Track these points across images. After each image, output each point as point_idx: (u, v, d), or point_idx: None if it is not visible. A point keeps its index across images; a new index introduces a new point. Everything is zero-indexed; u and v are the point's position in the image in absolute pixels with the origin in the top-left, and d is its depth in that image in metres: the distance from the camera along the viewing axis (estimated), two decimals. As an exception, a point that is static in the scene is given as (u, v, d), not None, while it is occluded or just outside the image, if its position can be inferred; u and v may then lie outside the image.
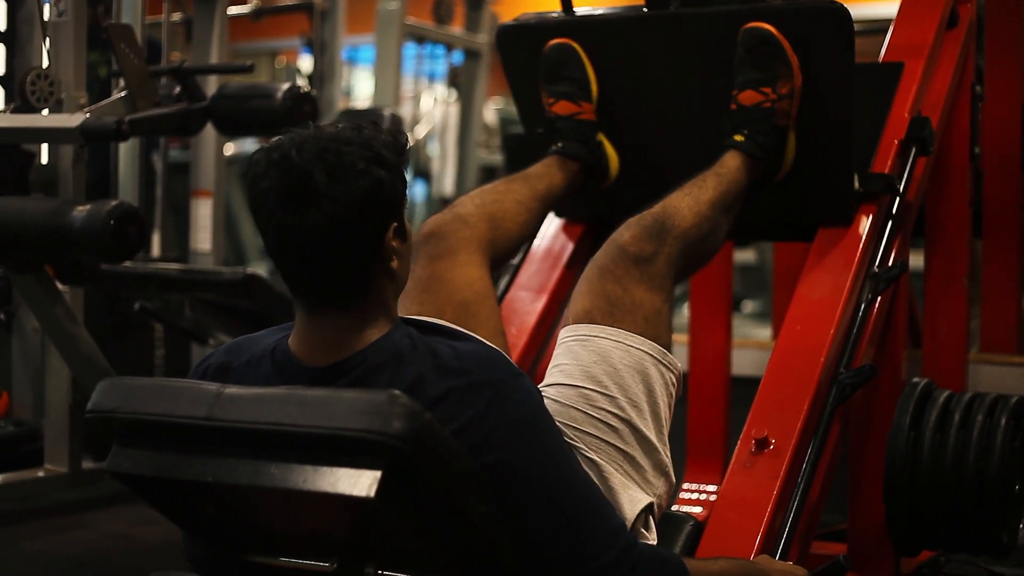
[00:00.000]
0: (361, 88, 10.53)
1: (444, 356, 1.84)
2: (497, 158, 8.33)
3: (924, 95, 3.00)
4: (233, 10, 5.60)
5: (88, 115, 3.59)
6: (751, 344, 4.63)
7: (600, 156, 2.94)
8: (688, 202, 2.51)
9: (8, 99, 4.04)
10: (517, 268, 3.04)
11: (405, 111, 7.41)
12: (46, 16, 3.88)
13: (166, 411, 1.79)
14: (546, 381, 2.26)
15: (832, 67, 2.72)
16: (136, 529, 3.92)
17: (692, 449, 3.62)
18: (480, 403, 1.79)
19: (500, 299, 2.92)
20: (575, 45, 2.91)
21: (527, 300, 2.96)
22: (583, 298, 2.35)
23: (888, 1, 3.32)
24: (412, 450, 1.65)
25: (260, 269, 5.30)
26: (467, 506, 1.76)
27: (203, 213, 4.72)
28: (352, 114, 6.67)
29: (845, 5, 2.69)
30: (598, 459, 2.14)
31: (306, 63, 7.61)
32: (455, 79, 7.48)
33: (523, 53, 2.99)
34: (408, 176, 1.90)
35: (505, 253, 2.72)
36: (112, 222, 3.37)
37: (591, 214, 3.11)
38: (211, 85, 4.33)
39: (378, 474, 1.65)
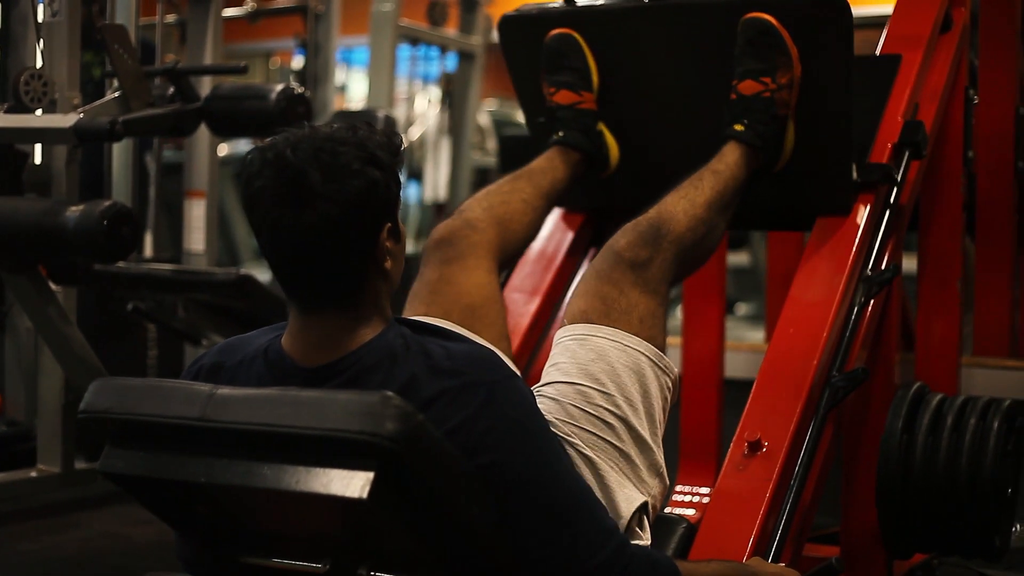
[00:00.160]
0: (355, 90, 10.53)
1: (437, 357, 1.84)
2: (491, 160, 8.33)
3: (919, 97, 3.01)
4: (227, 12, 5.60)
5: (82, 115, 3.59)
6: (744, 347, 4.63)
7: (600, 146, 2.96)
8: (683, 205, 2.53)
9: (2, 99, 4.03)
10: (511, 270, 3.04)
11: (399, 113, 7.40)
12: (40, 16, 3.88)
13: (159, 411, 1.79)
14: (543, 380, 2.28)
15: (831, 57, 2.74)
16: (129, 529, 3.92)
17: (685, 451, 3.62)
18: (473, 404, 1.79)
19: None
20: (576, 35, 2.93)
21: (520, 302, 2.96)
22: (580, 300, 2.38)
23: (886, 3, 3.31)
24: (405, 451, 1.65)
25: (254, 270, 5.30)
26: (460, 507, 1.76)
27: (196, 214, 4.71)
28: (346, 115, 6.67)
29: None
30: (594, 456, 2.15)
31: (300, 64, 7.60)
32: (448, 86, 7.47)
33: (525, 43, 3.01)
34: (402, 178, 1.91)
35: (513, 254, 2.77)
36: (105, 222, 3.37)
37: (591, 204, 3.14)
38: (205, 86, 4.33)
39: (371, 475, 1.65)
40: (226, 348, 1.97)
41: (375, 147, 1.84)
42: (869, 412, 2.96)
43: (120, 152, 4.62)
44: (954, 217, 3.32)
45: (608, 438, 2.17)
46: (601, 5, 2.97)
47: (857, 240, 2.75)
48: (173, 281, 4.24)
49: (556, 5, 3.01)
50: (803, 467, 2.41)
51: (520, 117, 9.77)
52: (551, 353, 2.35)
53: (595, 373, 2.23)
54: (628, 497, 2.14)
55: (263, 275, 4.50)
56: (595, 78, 2.95)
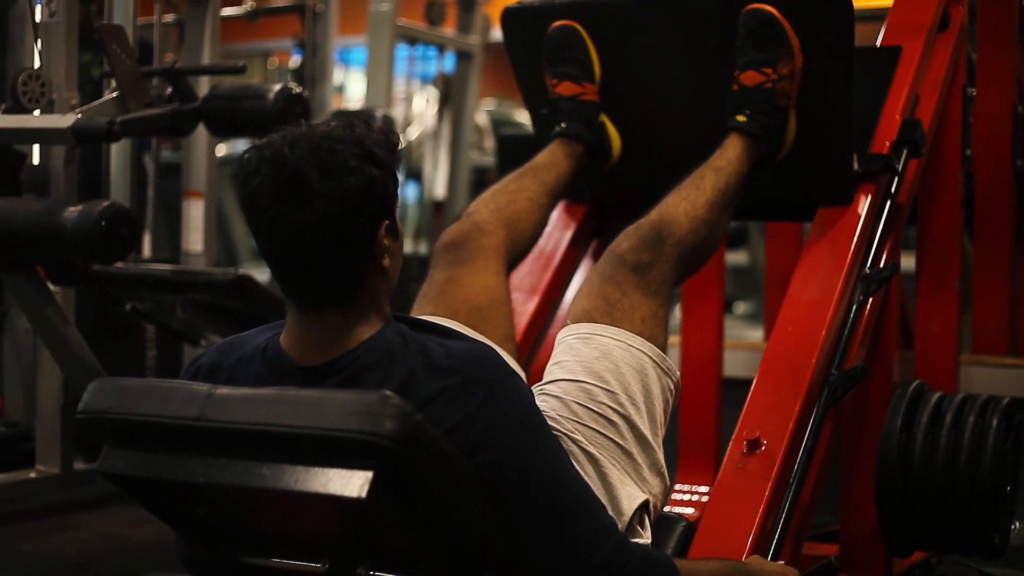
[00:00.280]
0: (353, 89, 10.53)
1: (436, 355, 1.84)
2: (489, 159, 8.33)
3: (919, 90, 3.01)
4: (225, 11, 5.60)
5: (79, 116, 3.59)
6: (743, 345, 4.63)
7: (603, 137, 2.98)
8: (685, 207, 2.55)
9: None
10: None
11: (397, 112, 7.40)
12: (38, 17, 3.88)
13: (157, 412, 1.79)
14: (546, 378, 2.30)
15: (832, 48, 2.76)
16: (128, 530, 3.92)
17: (684, 450, 3.62)
18: (472, 403, 1.79)
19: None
20: (578, 27, 2.95)
21: (519, 301, 2.97)
22: (583, 300, 2.41)
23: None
24: (403, 451, 1.65)
25: (252, 270, 5.29)
26: (459, 506, 1.76)
27: (195, 214, 4.71)
28: (344, 115, 6.66)
29: None
30: (597, 453, 2.16)
31: (297, 63, 7.60)
32: (446, 86, 7.47)
33: (527, 35, 3.03)
34: (400, 177, 1.91)
35: (522, 253, 2.79)
36: (103, 223, 3.37)
37: (593, 195, 3.16)
38: (203, 86, 4.33)
39: (369, 475, 1.65)
40: (224, 347, 1.96)
41: (372, 145, 1.84)
42: (868, 410, 2.96)
43: (118, 152, 4.62)
44: (952, 215, 3.32)
45: (611, 435, 2.18)
46: None
47: (857, 233, 2.76)
48: (171, 281, 4.24)
49: None
50: (802, 465, 2.41)
51: (518, 117, 9.80)
52: (554, 352, 2.36)
53: (599, 371, 2.25)
54: (630, 495, 2.15)
55: (261, 275, 4.50)
56: (597, 69, 2.96)
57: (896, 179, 2.83)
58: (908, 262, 3.32)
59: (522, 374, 2.40)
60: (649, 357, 2.31)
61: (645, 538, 2.17)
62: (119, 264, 3.98)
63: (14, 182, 3.77)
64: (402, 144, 1.98)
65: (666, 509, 2.33)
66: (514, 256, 2.73)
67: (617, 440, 2.19)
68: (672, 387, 2.33)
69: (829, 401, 2.52)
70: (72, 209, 3.43)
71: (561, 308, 3.14)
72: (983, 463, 2.67)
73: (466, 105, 7.34)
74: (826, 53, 2.76)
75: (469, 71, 7.26)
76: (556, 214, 3.13)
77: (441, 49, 7.35)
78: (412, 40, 7.16)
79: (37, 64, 3.85)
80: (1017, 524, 3.19)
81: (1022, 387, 3.65)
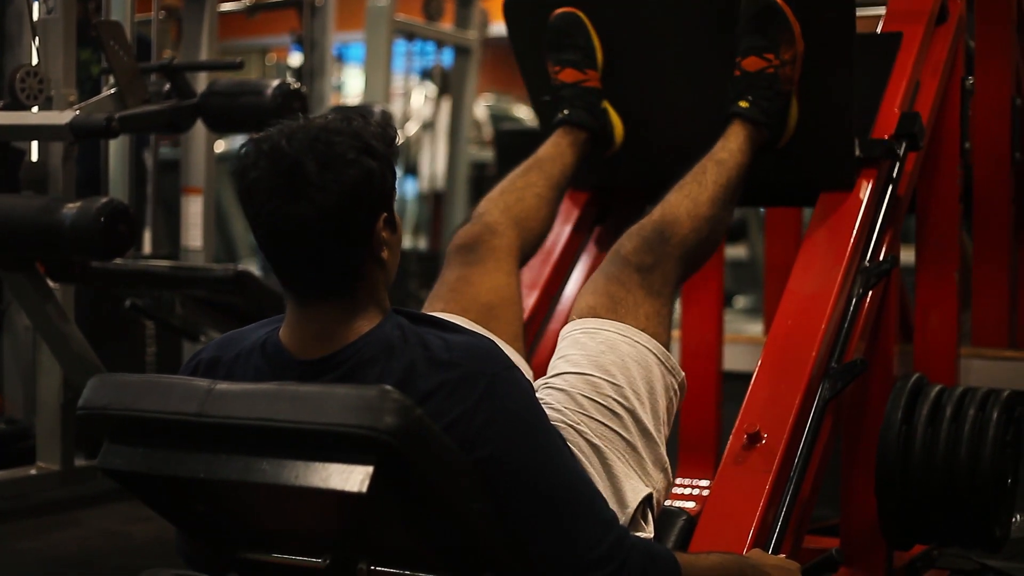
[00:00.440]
0: (352, 85, 10.52)
1: (435, 348, 1.84)
2: (487, 154, 8.33)
3: (919, 76, 3.02)
4: (224, 7, 5.60)
5: (77, 112, 3.59)
6: (743, 339, 4.63)
7: (605, 123, 2.99)
8: (687, 206, 2.57)
9: (-3, 97, 4.03)
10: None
11: (395, 108, 7.40)
12: (35, 14, 3.87)
13: (157, 407, 1.79)
14: (550, 372, 2.32)
15: (833, 33, 2.77)
16: (129, 527, 3.92)
17: (684, 444, 3.62)
18: (472, 397, 1.79)
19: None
20: (580, 14, 2.96)
21: (519, 296, 2.96)
22: (588, 297, 2.44)
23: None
24: (403, 445, 1.65)
25: (251, 266, 5.29)
26: (459, 501, 1.76)
27: (194, 210, 4.71)
28: (342, 111, 6.65)
29: None
30: (602, 446, 2.17)
31: (296, 60, 7.59)
32: (443, 80, 7.47)
33: (529, 23, 3.04)
34: (399, 172, 1.91)
35: (532, 250, 2.82)
36: (102, 219, 3.37)
37: (596, 182, 3.18)
38: (201, 82, 4.33)
39: (370, 469, 1.65)
40: (224, 343, 1.96)
41: (370, 137, 1.84)
42: (868, 403, 2.96)
43: (117, 149, 4.62)
44: (951, 208, 3.32)
45: (616, 428, 2.20)
46: None
47: (857, 222, 2.76)
48: (171, 277, 4.24)
49: None
50: (802, 459, 2.41)
51: (517, 111, 9.80)
52: (558, 346, 2.38)
53: (605, 365, 2.27)
54: (634, 488, 2.16)
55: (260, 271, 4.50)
56: (599, 56, 2.97)
57: (897, 165, 2.84)
58: (908, 255, 3.32)
59: (530, 373, 2.40)
60: (654, 354, 2.33)
61: (648, 532, 2.17)
62: (118, 260, 3.97)
63: (13, 179, 3.77)
64: (400, 139, 1.98)
65: (667, 503, 2.33)
66: (525, 254, 2.76)
67: (622, 433, 2.20)
68: (676, 386, 2.35)
69: (829, 394, 2.52)
70: (71, 206, 3.43)
71: (561, 303, 3.14)
72: (983, 456, 2.67)
73: (464, 100, 7.34)
74: (827, 38, 2.77)
75: (467, 66, 7.26)
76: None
77: (439, 44, 7.36)
78: (410, 35, 7.17)
79: (35, 61, 3.85)
80: (1018, 517, 3.20)
81: (1022, 380, 3.65)
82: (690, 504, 3.31)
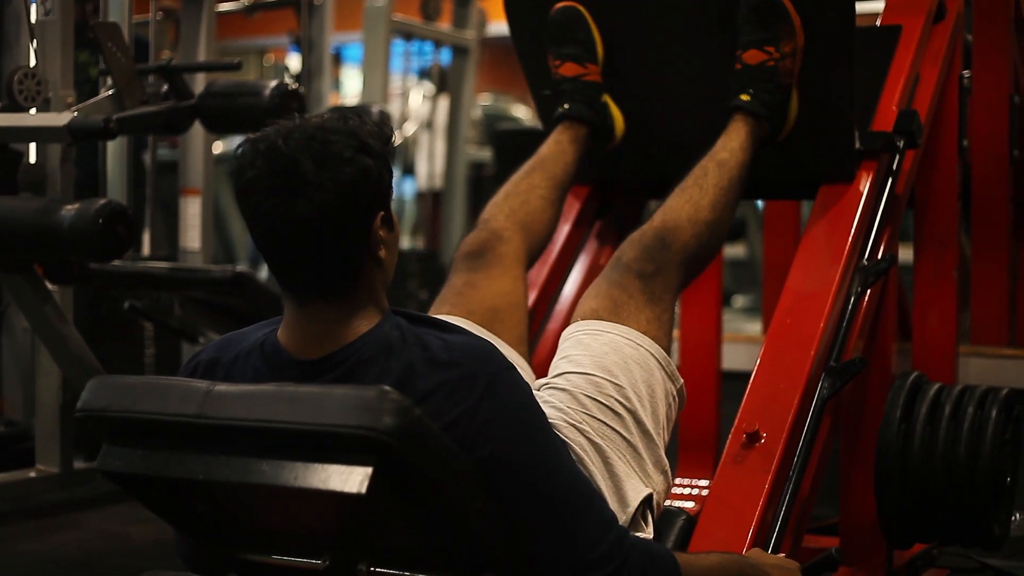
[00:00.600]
0: (349, 85, 10.53)
1: (434, 348, 1.84)
2: (485, 154, 8.33)
3: (919, 68, 3.03)
4: (222, 7, 5.59)
5: (75, 114, 3.59)
6: (742, 338, 4.63)
7: (605, 117, 2.99)
8: (688, 211, 2.58)
9: (-5, 98, 4.03)
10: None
11: (393, 108, 7.40)
12: (33, 15, 3.87)
13: (156, 409, 1.79)
14: (552, 372, 2.32)
15: (833, 26, 2.77)
16: (128, 528, 3.91)
17: (683, 443, 3.62)
18: (472, 397, 1.79)
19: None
20: (581, 8, 2.97)
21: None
22: (590, 300, 2.46)
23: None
24: (403, 446, 1.65)
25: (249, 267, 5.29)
26: (458, 501, 1.76)
27: (192, 211, 4.71)
28: (340, 111, 6.64)
29: None
30: (604, 445, 2.18)
31: (294, 61, 7.59)
32: (440, 79, 7.47)
33: (530, 17, 3.05)
34: (396, 172, 1.91)
35: (539, 252, 2.84)
36: (100, 221, 3.37)
37: (597, 176, 3.18)
38: (199, 83, 4.32)
39: (369, 470, 1.64)
40: (222, 344, 1.96)
41: (366, 135, 1.84)
42: (867, 402, 2.96)
43: (115, 150, 4.61)
44: (950, 206, 3.32)
45: (618, 428, 2.21)
46: None
47: (857, 217, 2.76)
48: (169, 279, 4.24)
49: None
50: (801, 458, 2.41)
51: (515, 111, 9.79)
52: (560, 347, 2.40)
53: (608, 365, 2.28)
54: (635, 487, 2.17)
55: (259, 272, 4.49)
56: (600, 50, 2.98)
57: (896, 159, 2.84)
58: (906, 254, 3.32)
59: (533, 377, 2.40)
60: (655, 358, 2.35)
61: (647, 532, 2.18)
62: (117, 262, 3.97)
63: (11, 181, 3.76)
64: (398, 139, 1.98)
65: (666, 503, 2.33)
66: (531, 256, 2.78)
67: (623, 433, 2.21)
68: (675, 393, 2.36)
69: (828, 393, 2.52)
70: (69, 207, 3.43)
71: (560, 303, 3.14)
72: (982, 454, 2.67)
73: (462, 100, 7.34)
74: (827, 31, 2.78)
75: (465, 66, 7.26)
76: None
77: (437, 44, 7.35)
78: (408, 35, 7.17)
79: (33, 62, 3.85)
80: (1017, 515, 3.20)
81: (1021, 378, 3.65)
82: (689, 504, 3.31)
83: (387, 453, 1.65)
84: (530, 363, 2.58)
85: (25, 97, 3.71)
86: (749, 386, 2.52)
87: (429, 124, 7.85)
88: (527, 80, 3.18)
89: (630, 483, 2.17)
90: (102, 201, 3.45)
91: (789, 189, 3.22)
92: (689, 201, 2.61)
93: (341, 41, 9.05)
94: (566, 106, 2.95)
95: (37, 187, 3.82)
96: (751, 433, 2.39)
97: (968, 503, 2.68)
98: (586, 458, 2.15)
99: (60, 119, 3.57)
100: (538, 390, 2.28)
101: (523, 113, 9.70)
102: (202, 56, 4.64)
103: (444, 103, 7.56)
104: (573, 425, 2.17)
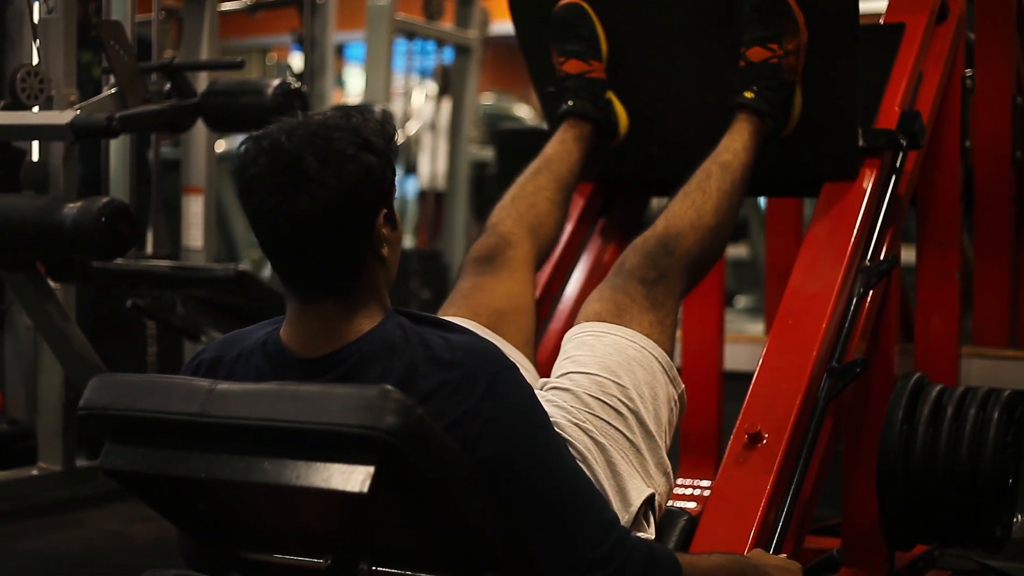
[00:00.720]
0: (352, 84, 10.52)
1: (437, 348, 1.84)
2: (487, 154, 8.33)
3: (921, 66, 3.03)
4: (225, 6, 5.59)
5: (78, 112, 3.59)
6: (744, 339, 4.63)
7: (610, 114, 3.00)
8: (691, 217, 2.59)
9: (-2, 96, 4.02)
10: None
11: (396, 107, 7.40)
12: (36, 13, 3.87)
13: (158, 407, 1.79)
14: (556, 372, 2.33)
15: (837, 23, 2.78)
16: (130, 527, 3.92)
17: (685, 444, 3.63)
18: (474, 396, 1.79)
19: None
20: (585, 5, 2.97)
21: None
22: (594, 303, 2.47)
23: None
24: (405, 445, 1.65)
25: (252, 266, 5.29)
26: (460, 501, 1.76)
27: (194, 210, 4.71)
28: (342, 109, 6.63)
29: None
30: (607, 444, 2.18)
31: (297, 60, 7.59)
32: (444, 79, 7.47)
33: (534, 14, 3.06)
34: (399, 171, 1.91)
35: (547, 254, 2.85)
36: (103, 219, 3.37)
37: (601, 172, 3.19)
38: (202, 82, 4.32)
39: (371, 469, 1.64)
40: (226, 343, 1.96)
41: (369, 133, 1.84)
42: (869, 403, 2.96)
43: (118, 149, 4.62)
44: (952, 207, 3.32)
45: (621, 428, 2.21)
46: None
47: (860, 216, 2.76)
48: (171, 277, 4.23)
49: None
50: (803, 459, 2.41)
51: (517, 111, 9.79)
52: (563, 348, 2.41)
53: (611, 366, 2.29)
54: (638, 487, 2.17)
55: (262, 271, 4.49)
56: (604, 47, 2.99)
57: (900, 156, 2.84)
58: (908, 255, 3.32)
59: (539, 379, 2.40)
60: (658, 361, 2.36)
61: (649, 533, 2.18)
62: (119, 260, 3.97)
63: (13, 179, 3.76)
64: (401, 138, 1.98)
65: (667, 503, 2.33)
66: (540, 258, 2.79)
67: (626, 433, 2.21)
68: (676, 398, 2.36)
69: (830, 394, 2.52)
70: (71, 206, 3.43)
71: (562, 302, 3.14)
72: (984, 456, 2.67)
73: (465, 99, 7.34)
74: (831, 28, 2.78)
75: (467, 65, 7.26)
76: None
77: (439, 43, 7.35)
78: (410, 35, 7.17)
79: (36, 61, 3.85)
80: (1019, 517, 3.19)
81: (1023, 379, 3.65)
82: (691, 504, 3.31)
83: (389, 452, 1.65)
84: (536, 365, 2.58)
85: (28, 95, 3.71)
86: (751, 387, 2.52)
87: (432, 126, 7.85)
88: (531, 77, 3.18)
89: (633, 483, 2.17)
90: (105, 199, 3.45)
91: (792, 186, 3.23)
92: (692, 206, 2.61)
93: (344, 40, 9.05)
94: (570, 103, 2.95)
95: (40, 185, 3.82)
96: (753, 434, 2.39)
97: (970, 505, 2.68)
98: (590, 457, 2.15)
99: (63, 117, 3.57)
100: (541, 389, 2.29)
101: (525, 113, 9.70)
102: (205, 55, 4.64)
103: (447, 104, 7.56)
104: (577, 424, 2.18)
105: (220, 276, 4.14)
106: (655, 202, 3.66)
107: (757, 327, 6.21)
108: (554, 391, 2.26)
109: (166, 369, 4.59)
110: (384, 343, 1.84)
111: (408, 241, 7.86)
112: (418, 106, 8.15)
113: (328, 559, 1.81)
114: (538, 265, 2.78)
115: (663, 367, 2.36)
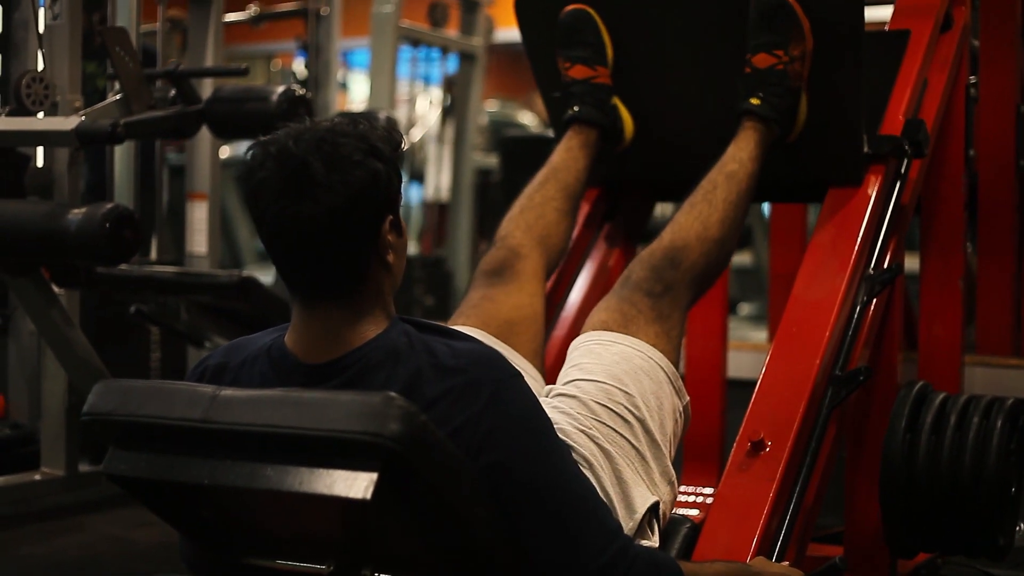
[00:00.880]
0: (357, 91, 10.53)
1: (441, 355, 1.84)
2: (491, 161, 8.33)
3: (926, 73, 3.04)
4: (229, 17, 5.60)
5: (83, 118, 3.59)
6: (747, 346, 4.63)
7: (615, 119, 3.01)
8: (697, 230, 2.60)
9: (3, 102, 4.03)
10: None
11: (400, 114, 7.40)
12: (41, 20, 3.88)
13: (162, 413, 1.79)
14: (563, 379, 2.33)
15: (842, 29, 2.78)
16: (133, 532, 3.92)
17: (688, 452, 3.62)
18: (477, 403, 1.80)
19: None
20: (591, 11, 2.98)
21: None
22: (600, 313, 2.48)
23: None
24: (408, 452, 1.65)
25: (256, 272, 5.29)
26: (463, 507, 1.76)
27: (199, 216, 4.71)
28: (348, 115, 6.64)
29: None
30: (613, 451, 2.18)
31: (301, 66, 7.59)
32: (450, 89, 7.48)
33: (540, 20, 3.07)
34: (404, 177, 1.91)
35: (556, 264, 2.86)
36: (107, 225, 3.37)
37: (607, 177, 3.20)
38: (206, 89, 4.33)
39: (374, 476, 1.65)
40: (231, 349, 1.97)
41: (376, 139, 1.85)
42: (872, 411, 2.96)
43: (122, 155, 4.62)
44: (956, 215, 3.32)
45: (627, 435, 2.21)
46: None
47: (863, 225, 2.76)
48: (175, 283, 4.24)
49: None
50: (806, 467, 2.41)
51: (521, 118, 9.79)
52: (569, 356, 2.42)
53: (618, 374, 2.30)
54: (643, 495, 2.17)
55: (265, 277, 4.49)
56: (609, 53, 3.00)
57: (904, 164, 2.84)
58: (912, 262, 3.32)
59: (546, 390, 2.40)
60: (664, 372, 2.37)
61: (653, 541, 2.18)
62: (123, 266, 3.98)
63: (18, 185, 3.77)
64: (405, 145, 1.99)
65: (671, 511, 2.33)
66: (549, 268, 2.80)
67: (632, 441, 2.22)
68: (681, 409, 2.37)
69: (833, 402, 2.52)
70: (76, 212, 3.43)
71: (565, 309, 3.14)
72: (987, 464, 2.67)
73: (469, 107, 7.34)
74: (836, 35, 2.79)
75: (472, 73, 7.26)
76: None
77: (444, 51, 7.35)
78: (415, 42, 7.17)
79: (41, 67, 3.85)
80: (1022, 525, 3.19)
81: (1026, 388, 3.65)
82: (694, 512, 3.31)
83: (392, 459, 1.65)
84: (544, 376, 2.58)
85: (33, 101, 3.72)
86: (754, 394, 2.52)
87: (440, 139, 7.85)
88: (537, 82, 3.19)
89: (638, 490, 2.17)
90: (109, 205, 3.45)
91: (797, 192, 3.24)
92: (698, 218, 2.62)
93: (348, 47, 9.05)
94: (576, 109, 2.96)
95: (44, 191, 3.83)
96: (756, 441, 2.39)
97: (973, 513, 2.68)
98: (595, 464, 2.15)
99: (68, 123, 3.57)
100: (547, 396, 2.29)
101: (530, 120, 9.70)
102: (209, 61, 4.65)
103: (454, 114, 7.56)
104: (583, 431, 2.18)
105: (224, 282, 4.15)
106: (660, 208, 3.66)
107: (760, 335, 6.20)
108: (561, 398, 2.26)
109: (169, 375, 4.59)
110: (389, 350, 1.85)
111: (412, 248, 7.86)
112: (422, 113, 8.15)
113: (331, 565, 1.81)
114: (548, 275, 2.79)
115: (669, 378, 2.36)
